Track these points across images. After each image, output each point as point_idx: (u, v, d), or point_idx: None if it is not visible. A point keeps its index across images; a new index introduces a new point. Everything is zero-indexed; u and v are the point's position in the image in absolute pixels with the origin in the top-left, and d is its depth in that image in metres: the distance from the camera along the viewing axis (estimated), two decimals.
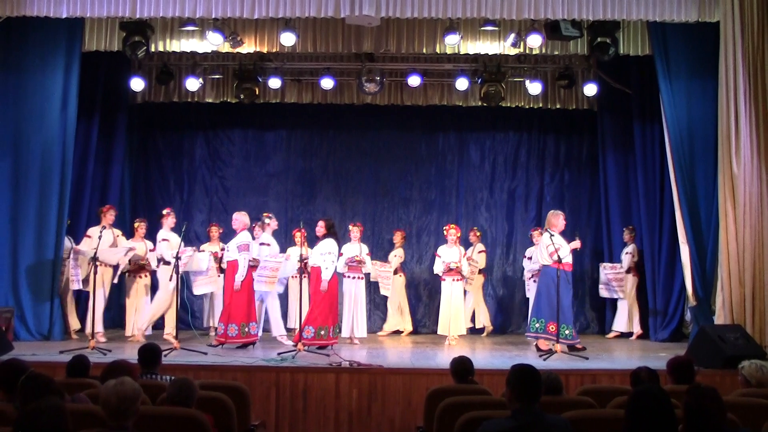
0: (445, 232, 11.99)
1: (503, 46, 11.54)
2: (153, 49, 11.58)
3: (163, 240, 11.24)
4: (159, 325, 11.61)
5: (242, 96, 12.78)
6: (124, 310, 11.82)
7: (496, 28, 11.32)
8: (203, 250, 11.48)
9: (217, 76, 13.22)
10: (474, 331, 12.89)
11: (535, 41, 11.02)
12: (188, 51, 11.96)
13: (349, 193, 13.97)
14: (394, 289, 12.45)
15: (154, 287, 11.65)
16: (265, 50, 11.80)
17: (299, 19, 10.76)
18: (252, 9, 10.09)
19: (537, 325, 10.52)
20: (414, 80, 12.60)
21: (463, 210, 13.92)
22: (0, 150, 11.15)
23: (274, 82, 12.77)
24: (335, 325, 10.65)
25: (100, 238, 10.53)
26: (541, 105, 13.38)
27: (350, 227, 11.94)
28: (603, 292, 12.86)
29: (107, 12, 10.21)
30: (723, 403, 4.34)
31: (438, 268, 11.81)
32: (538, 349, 10.49)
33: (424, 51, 11.78)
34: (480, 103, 13.05)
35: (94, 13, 10.27)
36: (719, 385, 7.55)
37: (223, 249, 10.88)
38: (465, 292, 12.12)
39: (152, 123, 13.94)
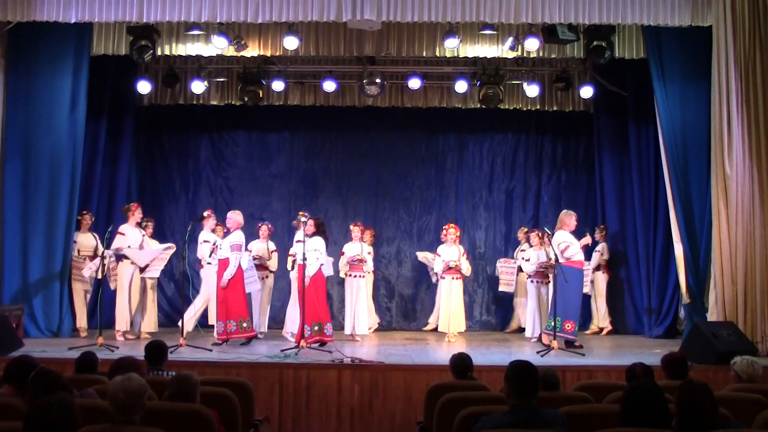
0: (444, 232, 11.98)
1: (501, 50, 11.55)
2: (159, 53, 11.59)
3: (204, 241, 11.22)
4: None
5: (246, 98, 12.79)
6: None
7: (495, 32, 11.33)
8: (249, 250, 11.43)
9: (222, 79, 13.22)
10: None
11: (532, 45, 11.03)
12: (193, 54, 11.96)
13: (351, 194, 13.96)
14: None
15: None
16: (268, 54, 11.82)
17: (302, 23, 10.76)
18: (256, 13, 10.09)
19: (554, 322, 10.53)
20: (414, 83, 12.61)
21: (463, 210, 13.91)
22: (11, 151, 11.16)
23: (278, 85, 12.77)
24: (329, 322, 10.62)
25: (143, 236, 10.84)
26: (538, 107, 13.38)
27: (351, 227, 11.95)
28: (502, 287, 12.93)
29: (115, 17, 10.21)
30: (715, 399, 4.34)
31: (438, 267, 11.81)
32: (570, 346, 10.49)
33: (424, 54, 11.80)
34: (479, 105, 13.06)
35: (102, 18, 10.27)
36: (712, 381, 7.60)
37: (215, 245, 10.82)
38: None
39: (158, 125, 13.93)
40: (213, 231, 11.55)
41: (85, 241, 11.22)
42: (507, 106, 13.26)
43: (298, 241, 10.90)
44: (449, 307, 11.62)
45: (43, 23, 10.43)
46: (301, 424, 8.44)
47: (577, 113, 13.53)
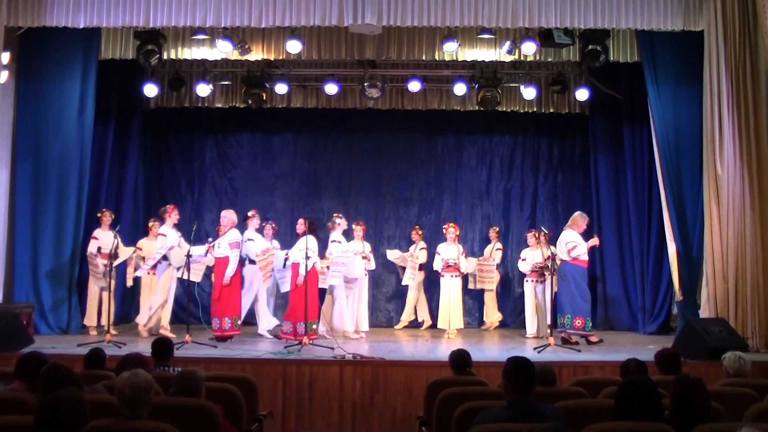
0: (444, 231, 11.99)
1: (499, 53, 11.56)
2: (165, 57, 11.61)
3: (249, 240, 11.24)
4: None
5: (250, 101, 12.80)
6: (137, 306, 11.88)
7: (492, 36, 11.34)
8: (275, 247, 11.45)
9: (227, 82, 13.24)
10: (415, 324, 12.91)
11: (529, 48, 11.03)
12: (199, 58, 11.99)
13: (352, 194, 13.96)
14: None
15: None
16: (272, 57, 11.82)
17: (304, 28, 10.75)
18: (259, 18, 10.09)
19: (563, 320, 10.61)
20: (414, 86, 12.61)
21: (461, 209, 13.91)
22: (21, 154, 11.17)
23: (281, 88, 12.77)
24: (315, 320, 10.60)
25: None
26: (535, 109, 13.39)
27: (354, 226, 11.95)
28: (471, 284, 12.90)
29: (122, 22, 10.21)
30: (708, 393, 4.35)
31: (437, 265, 11.82)
32: (588, 342, 10.57)
33: (424, 58, 11.82)
34: (477, 108, 13.05)
35: (110, 23, 10.27)
36: (704, 376, 7.53)
37: (211, 244, 10.81)
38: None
39: (165, 127, 13.94)
40: (258, 230, 11.53)
41: (105, 238, 11.18)
42: (504, 109, 13.26)
43: (333, 241, 11.02)
44: (448, 304, 11.62)
45: (52, 28, 10.43)
46: (304, 418, 8.44)
47: (572, 115, 13.53)
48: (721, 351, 7.04)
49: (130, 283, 11.67)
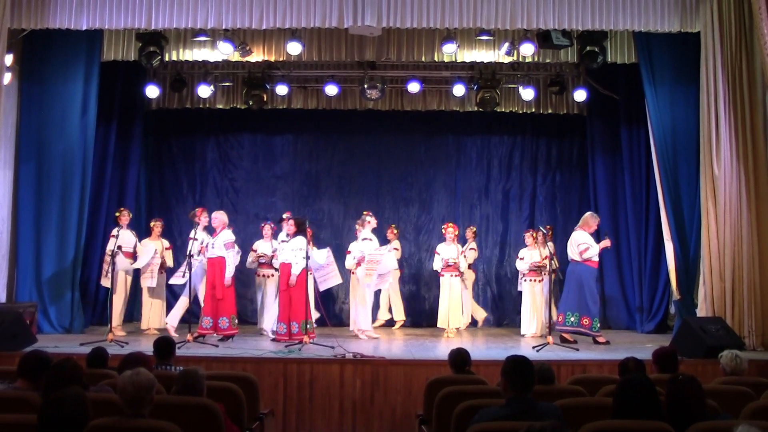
0: (443, 231, 11.98)
1: (498, 55, 11.55)
2: (167, 59, 11.59)
3: (283, 241, 11.23)
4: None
5: (251, 102, 12.79)
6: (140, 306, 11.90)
7: (491, 38, 11.33)
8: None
9: (228, 84, 13.23)
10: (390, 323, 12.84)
11: (527, 50, 11.03)
12: (200, 60, 11.97)
13: (353, 194, 13.95)
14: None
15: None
16: (272, 59, 11.81)
17: (305, 30, 10.77)
18: (260, 20, 10.09)
19: (572, 318, 10.64)
20: (413, 87, 12.60)
21: (461, 209, 13.91)
22: (25, 154, 11.18)
23: (281, 89, 12.77)
24: (304, 320, 10.55)
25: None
26: (533, 110, 13.37)
27: (356, 226, 11.94)
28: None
29: (124, 24, 10.21)
30: (702, 392, 4.36)
31: (437, 265, 11.81)
32: (595, 342, 10.57)
33: (423, 59, 11.81)
34: (476, 109, 13.04)
35: (112, 25, 10.27)
36: (701, 374, 7.61)
37: (203, 244, 10.80)
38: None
39: (166, 128, 13.94)
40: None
41: (125, 237, 11.16)
42: (503, 109, 13.25)
43: (364, 239, 11.11)
44: (448, 303, 11.61)
45: (55, 30, 10.45)
46: (305, 417, 8.45)
47: (570, 116, 13.52)
48: (718, 350, 7.05)
49: (151, 284, 11.59)
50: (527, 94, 12.72)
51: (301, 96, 13.38)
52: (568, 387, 5.80)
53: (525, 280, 11.96)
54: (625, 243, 12.77)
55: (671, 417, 4.22)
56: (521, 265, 12.00)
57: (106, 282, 10.98)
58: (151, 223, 11.90)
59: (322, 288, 11.34)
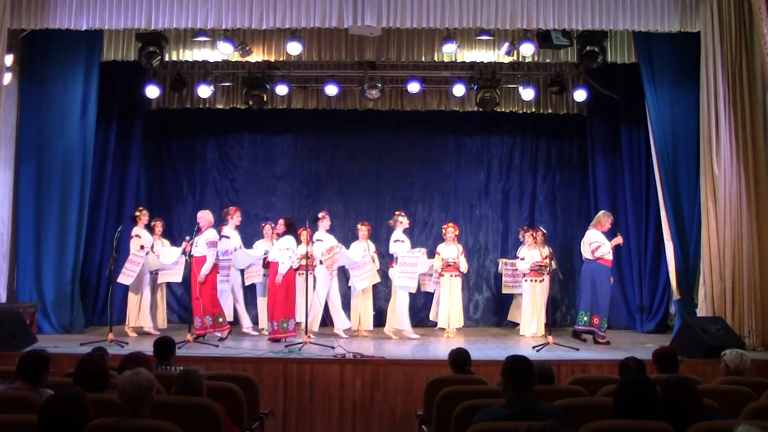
0: (443, 231, 11.97)
1: (498, 55, 11.54)
2: (167, 59, 11.58)
3: (318, 240, 11.27)
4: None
5: (251, 102, 12.78)
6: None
7: (491, 38, 11.33)
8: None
9: (228, 84, 13.22)
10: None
11: (527, 50, 11.03)
12: (200, 60, 11.96)
13: (353, 194, 13.94)
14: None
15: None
16: (272, 59, 11.81)
17: (305, 30, 10.77)
18: (260, 20, 10.09)
19: (584, 318, 10.72)
20: (413, 87, 12.59)
21: (461, 209, 13.90)
22: (24, 155, 11.19)
23: (281, 89, 12.75)
24: (292, 318, 10.57)
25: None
26: (533, 110, 13.36)
27: (359, 226, 11.93)
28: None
29: (124, 24, 10.21)
30: (697, 392, 4.36)
31: (437, 265, 11.80)
32: (596, 342, 10.62)
33: (423, 59, 11.81)
34: (476, 109, 13.03)
35: (112, 25, 10.27)
36: (701, 374, 7.63)
37: (190, 242, 10.81)
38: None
39: (166, 128, 13.93)
40: (328, 231, 11.52)
41: (147, 236, 11.15)
42: (503, 109, 13.24)
43: (396, 241, 11.13)
44: (448, 303, 11.60)
45: (55, 30, 10.45)
46: (305, 417, 8.45)
47: (570, 116, 13.51)
48: (718, 349, 7.06)
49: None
50: (527, 94, 12.72)
51: (301, 96, 13.38)
52: (568, 387, 5.80)
53: (526, 280, 11.95)
54: (625, 243, 12.68)
55: (669, 418, 4.22)
56: (522, 265, 11.99)
57: (126, 280, 10.95)
58: (152, 223, 11.90)
59: (358, 287, 11.39)
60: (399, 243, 11.23)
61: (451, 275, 11.67)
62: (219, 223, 11.19)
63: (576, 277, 13.54)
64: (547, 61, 11.90)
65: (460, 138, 14.03)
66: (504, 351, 9.78)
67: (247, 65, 12.33)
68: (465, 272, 12.09)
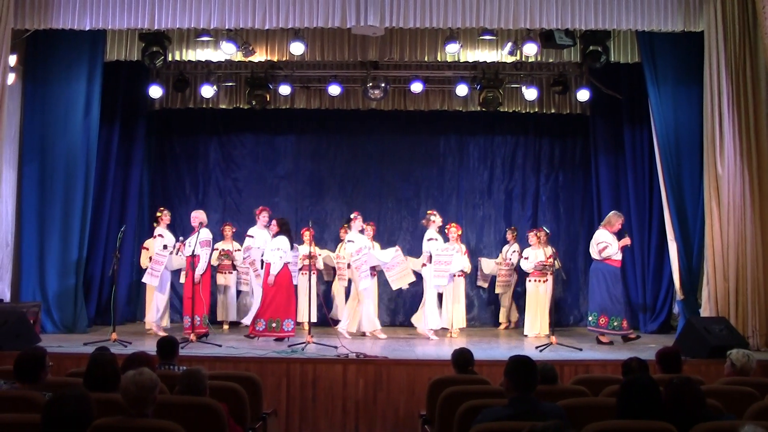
0: (446, 231, 11.96)
1: (501, 55, 11.55)
2: (170, 59, 11.60)
3: (349, 241, 11.28)
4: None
5: (254, 102, 12.78)
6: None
7: (494, 38, 11.32)
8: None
9: (231, 84, 13.24)
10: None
11: (530, 50, 11.02)
12: (203, 60, 11.97)
13: (355, 194, 13.95)
14: None
15: None
16: (275, 59, 11.81)
17: (308, 30, 10.77)
18: (263, 20, 10.09)
19: (590, 318, 10.78)
20: (416, 87, 12.58)
21: (463, 209, 13.90)
22: (28, 155, 11.20)
23: (284, 89, 12.76)
24: (289, 318, 10.57)
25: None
26: (536, 110, 13.37)
27: (364, 226, 11.93)
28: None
29: (127, 24, 10.21)
30: (700, 392, 4.36)
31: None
32: (599, 342, 10.66)
33: (426, 59, 11.81)
34: (479, 108, 13.04)
35: (115, 25, 10.27)
36: (705, 374, 7.61)
37: (182, 242, 10.83)
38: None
39: (169, 128, 13.95)
40: (361, 231, 11.50)
41: (168, 236, 11.14)
42: (506, 109, 13.24)
43: (430, 240, 11.16)
44: (452, 303, 11.60)
45: (58, 31, 10.44)
46: (308, 416, 8.45)
47: (573, 116, 13.51)
48: (722, 350, 7.05)
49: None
50: (530, 93, 12.72)
51: (303, 96, 13.38)
52: (571, 387, 5.80)
53: (530, 280, 11.96)
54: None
55: (672, 419, 4.21)
56: (526, 265, 11.99)
57: (153, 281, 11.00)
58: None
59: (394, 287, 11.43)
60: (433, 241, 11.21)
61: (455, 275, 11.66)
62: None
63: (579, 276, 13.61)
64: (550, 60, 11.88)
65: (463, 138, 14.04)
66: (507, 351, 9.78)
67: (250, 65, 12.34)
68: (468, 272, 12.09)
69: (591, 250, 10.96)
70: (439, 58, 11.73)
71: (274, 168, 14.02)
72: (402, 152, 14.01)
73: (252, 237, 11.26)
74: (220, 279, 12.10)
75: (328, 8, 9.98)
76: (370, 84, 12.63)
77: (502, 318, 13.10)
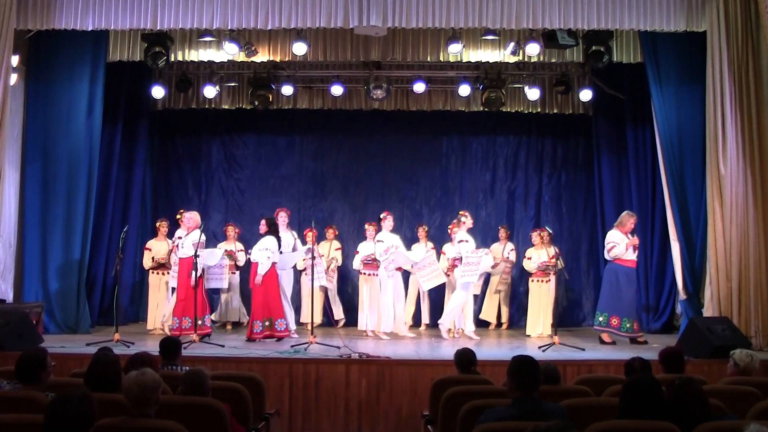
0: (449, 231, 11.96)
1: (503, 55, 11.55)
2: (173, 59, 11.61)
3: (378, 241, 11.28)
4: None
5: (256, 102, 12.79)
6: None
7: (497, 38, 11.32)
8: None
9: (233, 84, 13.24)
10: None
11: (533, 50, 11.01)
12: (206, 60, 11.98)
13: (358, 194, 13.95)
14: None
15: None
16: (278, 59, 11.83)
17: (310, 30, 10.77)
18: (266, 20, 10.09)
19: (600, 318, 10.73)
20: (419, 87, 12.58)
21: (466, 210, 13.83)
22: (31, 155, 11.21)
23: (287, 89, 12.76)
24: (280, 318, 10.60)
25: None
26: (539, 110, 13.37)
27: (366, 226, 11.94)
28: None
29: (130, 24, 10.22)
30: (703, 392, 4.35)
31: (443, 265, 11.79)
32: (602, 341, 10.65)
33: (429, 59, 11.82)
34: (481, 108, 13.03)
35: (118, 26, 10.28)
36: (707, 374, 7.61)
37: (175, 244, 10.80)
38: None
39: (172, 128, 13.96)
40: (388, 231, 11.48)
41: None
42: (509, 109, 13.24)
43: (461, 241, 11.13)
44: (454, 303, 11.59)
45: (61, 31, 10.45)
46: (311, 417, 8.45)
47: (576, 116, 13.51)
48: (725, 350, 7.05)
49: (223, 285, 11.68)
50: (533, 93, 12.71)
51: (306, 96, 13.39)
52: (574, 387, 5.80)
53: (532, 281, 11.95)
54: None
55: (675, 418, 4.21)
56: (529, 265, 11.99)
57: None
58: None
59: (425, 288, 11.41)
60: (463, 243, 11.21)
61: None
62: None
63: (582, 277, 13.62)
64: (553, 60, 11.89)
65: (466, 138, 14.03)
66: (510, 351, 9.77)
67: (252, 65, 12.34)
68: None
69: (604, 251, 10.97)
70: (441, 58, 11.74)
71: (276, 168, 14.02)
72: (404, 152, 14.01)
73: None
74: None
75: (330, 8, 9.98)
76: (373, 84, 12.63)
77: (491, 318, 12.89)
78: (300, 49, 11.02)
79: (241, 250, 12.11)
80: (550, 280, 11.68)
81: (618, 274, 10.67)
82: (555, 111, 13.45)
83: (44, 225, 11.12)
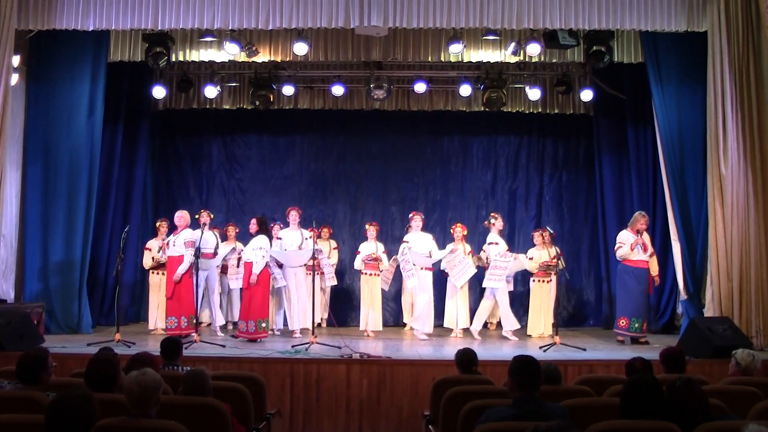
0: (451, 231, 11.95)
1: (504, 55, 11.57)
2: (174, 59, 11.63)
3: (405, 242, 11.30)
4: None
5: (257, 102, 12.79)
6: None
7: (498, 38, 11.34)
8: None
9: (234, 84, 13.25)
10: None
11: (534, 50, 11.02)
12: (207, 60, 11.99)
13: (359, 194, 13.95)
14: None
15: None
16: (279, 59, 11.84)
17: (311, 30, 10.78)
18: (267, 20, 10.09)
19: (621, 321, 10.78)
20: (420, 87, 12.58)
21: (467, 210, 13.88)
22: (31, 155, 11.21)
23: (288, 89, 12.77)
24: (266, 317, 10.66)
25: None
26: (540, 110, 13.37)
27: (367, 226, 11.94)
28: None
29: (131, 24, 10.22)
30: (703, 393, 4.35)
31: (444, 265, 11.78)
32: (619, 342, 10.74)
33: (430, 59, 11.83)
34: (482, 109, 13.04)
35: (119, 26, 10.29)
36: (708, 374, 7.61)
37: (166, 242, 10.86)
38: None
39: (173, 128, 13.96)
40: (417, 230, 11.53)
41: (206, 237, 11.10)
42: (510, 109, 13.25)
43: (491, 243, 11.26)
44: (455, 304, 11.58)
45: (62, 31, 10.46)
46: (312, 417, 8.44)
47: (577, 116, 13.51)
48: (726, 350, 7.05)
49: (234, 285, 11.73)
50: (534, 93, 12.71)
51: (307, 96, 13.40)
52: (575, 387, 5.79)
53: (534, 280, 11.95)
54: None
55: (676, 418, 4.21)
56: (530, 265, 11.98)
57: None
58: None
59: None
60: (493, 245, 11.24)
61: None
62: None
63: (582, 277, 13.63)
64: (554, 61, 11.90)
65: (467, 138, 14.03)
66: (511, 351, 9.77)
67: (253, 65, 12.35)
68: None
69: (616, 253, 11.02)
70: (442, 59, 11.75)
71: (277, 168, 14.03)
72: (405, 152, 14.01)
73: (281, 239, 11.13)
74: (225, 279, 12.08)
75: (331, 8, 9.98)
76: (374, 84, 12.64)
77: (492, 318, 12.64)
78: (301, 49, 11.02)
79: (242, 250, 12.09)
80: (551, 281, 11.68)
81: (625, 276, 10.69)
82: (556, 111, 13.45)
83: (45, 225, 11.12)
